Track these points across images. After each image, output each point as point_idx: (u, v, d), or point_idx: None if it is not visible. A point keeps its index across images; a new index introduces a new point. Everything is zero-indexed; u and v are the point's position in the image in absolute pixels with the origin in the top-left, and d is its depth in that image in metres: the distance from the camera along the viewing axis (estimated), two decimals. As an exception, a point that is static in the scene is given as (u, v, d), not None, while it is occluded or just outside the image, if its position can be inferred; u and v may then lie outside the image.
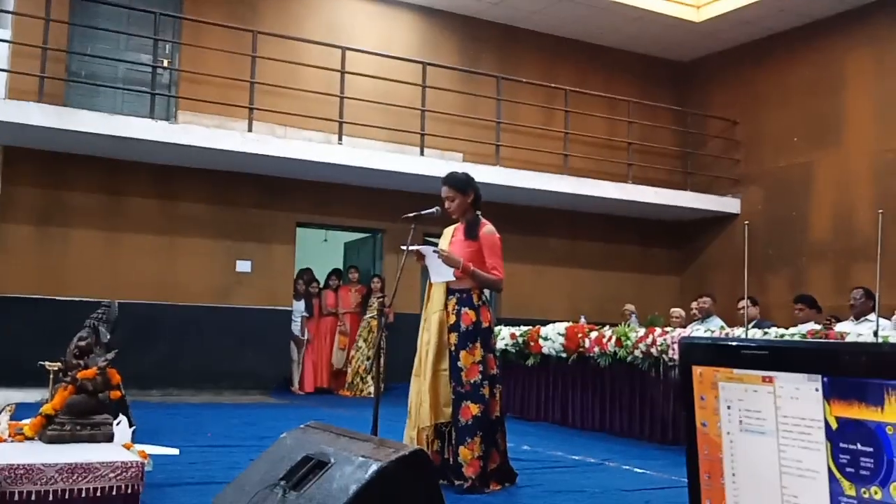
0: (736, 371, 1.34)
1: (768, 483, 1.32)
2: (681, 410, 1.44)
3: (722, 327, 7.70)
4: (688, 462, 1.41)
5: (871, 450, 1.20)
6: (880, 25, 10.74)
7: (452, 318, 4.52)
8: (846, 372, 1.21)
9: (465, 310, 4.52)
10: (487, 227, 4.63)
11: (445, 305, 4.55)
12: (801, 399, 1.26)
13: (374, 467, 2.62)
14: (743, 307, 7.72)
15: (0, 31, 9.28)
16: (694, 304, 9.02)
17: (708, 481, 1.40)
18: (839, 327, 7.18)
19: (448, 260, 4.47)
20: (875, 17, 10.79)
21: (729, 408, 1.35)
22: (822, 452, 1.26)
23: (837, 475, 1.25)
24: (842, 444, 1.23)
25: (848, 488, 1.24)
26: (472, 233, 4.61)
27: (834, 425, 1.24)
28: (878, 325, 5.60)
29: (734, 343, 1.33)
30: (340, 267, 12.04)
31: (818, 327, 6.77)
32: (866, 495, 1.21)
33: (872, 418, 1.19)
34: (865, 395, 1.20)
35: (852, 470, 1.23)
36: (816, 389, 1.25)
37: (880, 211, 5.53)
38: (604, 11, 11.54)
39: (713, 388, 1.37)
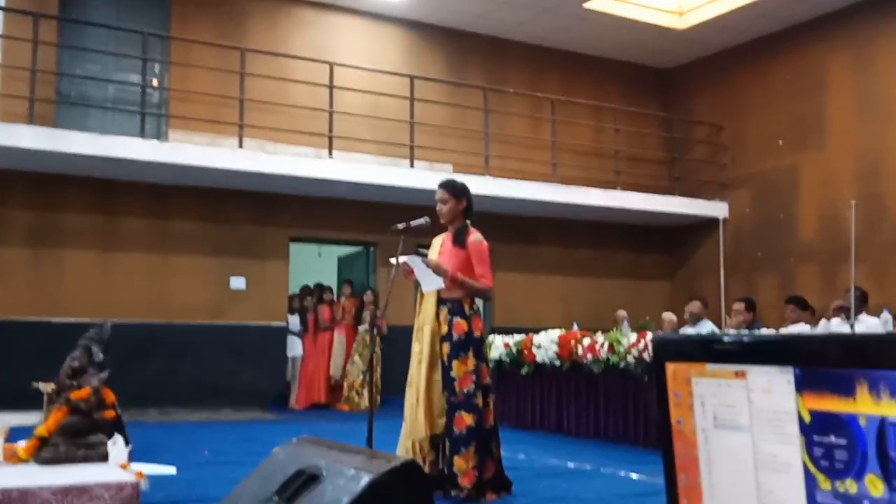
0: (709, 366, 1.35)
1: (744, 479, 1.32)
2: (656, 408, 1.45)
3: (713, 331, 7.72)
4: (664, 462, 1.42)
5: (844, 442, 1.20)
6: (859, 27, 10.85)
7: (444, 329, 4.54)
8: (817, 362, 1.21)
9: (456, 319, 4.53)
10: (475, 236, 4.65)
11: (437, 315, 4.57)
12: (773, 392, 1.27)
13: (365, 479, 2.63)
14: (737, 310, 7.76)
15: (-12, 56, 9.33)
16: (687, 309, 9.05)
17: (685, 480, 1.40)
18: (832, 327, 7.21)
19: (436, 269, 4.49)
20: (853, 20, 10.91)
21: (703, 404, 1.36)
22: (796, 446, 1.26)
23: (812, 469, 1.25)
24: (815, 437, 1.23)
25: (823, 482, 1.24)
26: (460, 241, 4.64)
27: (807, 418, 1.25)
28: (853, 316, 5.62)
29: (706, 338, 1.34)
30: (335, 280, 12.08)
31: (808, 328, 6.80)
32: (841, 488, 1.21)
33: (845, 410, 1.19)
34: (837, 386, 1.19)
35: (827, 463, 1.22)
36: (789, 382, 1.26)
37: (853, 201, 5.58)
38: (588, 21, 11.62)
39: (687, 384, 1.39)
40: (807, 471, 1.23)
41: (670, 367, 1.40)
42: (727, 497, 1.33)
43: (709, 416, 1.34)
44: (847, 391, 1.17)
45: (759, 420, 1.27)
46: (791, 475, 1.24)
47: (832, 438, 1.19)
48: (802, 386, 1.22)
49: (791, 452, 1.24)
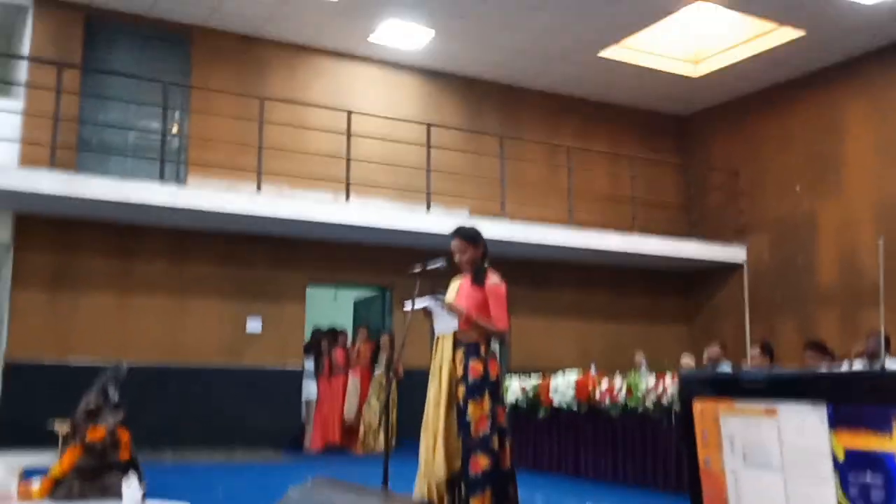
0: (738, 403, 1.32)
1: (777, 519, 1.29)
2: (682, 448, 1.41)
3: (733, 375, 7.62)
4: (691, 502, 1.39)
5: (881, 481, 1.17)
6: (874, 74, 10.90)
7: (460, 371, 4.51)
8: (851, 399, 1.19)
9: (472, 362, 4.50)
10: (493, 278, 4.64)
11: (453, 358, 4.54)
12: (806, 431, 1.24)
13: (383, 521, 2.59)
14: (753, 355, 7.67)
15: (13, 102, 9.49)
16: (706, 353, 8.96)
17: (715, 520, 1.37)
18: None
19: (452, 309, 4.48)
20: (869, 67, 10.96)
21: (732, 443, 1.34)
22: (830, 486, 1.23)
23: (847, 509, 1.22)
24: (851, 476, 1.20)
25: (859, 522, 1.21)
26: (479, 281, 4.63)
27: (841, 456, 1.22)
28: (882, 354, 5.53)
29: (735, 374, 1.32)
30: (350, 323, 12.05)
31: (830, 373, 6.70)
32: (878, 529, 1.18)
33: (881, 448, 1.16)
34: (872, 423, 1.17)
35: (863, 502, 1.20)
36: (822, 420, 1.23)
37: (881, 240, 5.52)
38: (604, 70, 11.71)
39: (715, 422, 1.36)
40: (842, 511, 1.19)
41: (697, 405, 1.37)
42: (759, 538, 1.29)
43: (738, 455, 1.31)
44: (883, 427, 1.14)
45: (792, 459, 1.24)
46: (825, 516, 1.20)
47: (868, 477, 1.16)
48: (836, 423, 1.19)
49: (825, 492, 1.20)
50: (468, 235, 4.73)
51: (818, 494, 1.25)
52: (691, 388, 1.40)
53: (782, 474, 1.29)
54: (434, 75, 11.88)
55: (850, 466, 1.21)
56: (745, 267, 9.88)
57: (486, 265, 4.73)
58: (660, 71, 11.78)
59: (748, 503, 1.35)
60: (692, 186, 12.96)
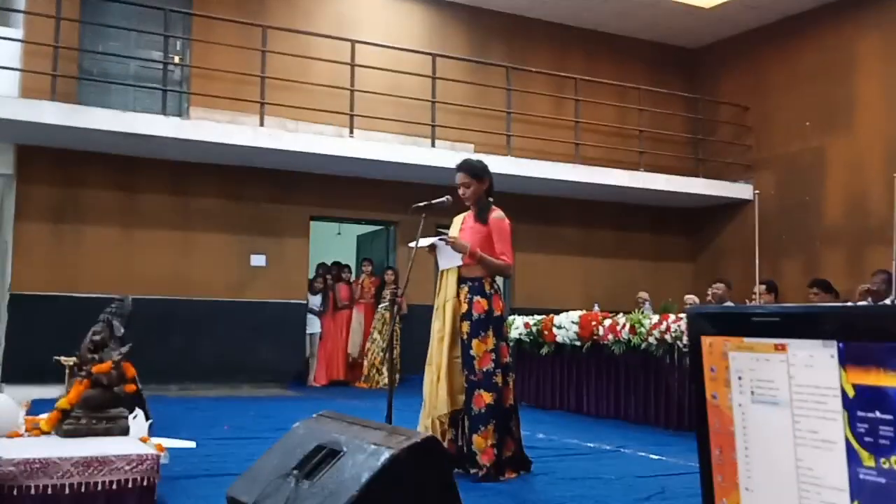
0: (747, 339, 1.30)
1: (782, 455, 1.28)
2: (690, 383, 1.40)
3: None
4: (698, 437, 1.38)
5: (890, 417, 1.16)
6: (890, 8, 10.64)
7: (464, 307, 4.51)
8: (863, 336, 1.17)
9: (476, 298, 4.50)
10: (497, 213, 4.62)
11: (457, 294, 4.54)
12: (815, 367, 1.23)
13: (385, 455, 2.61)
14: (760, 292, 7.67)
15: (12, 31, 9.35)
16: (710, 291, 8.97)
17: (719, 456, 1.36)
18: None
19: (456, 245, 4.46)
20: (882, 1, 10.68)
21: (740, 378, 1.32)
22: (838, 422, 1.22)
23: (855, 445, 1.21)
24: (859, 413, 1.19)
25: (867, 459, 1.19)
26: (482, 217, 4.60)
27: (851, 393, 1.20)
28: (894, 290, 5.51)
29: (744, 310, 1.30)
30: (354, 259, 12.08)
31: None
32: (886, 465, 1.17)
33: (892, 384, 1.15)
34: (883, 360, 1.15)
35: (871, 439, 1.18)
36: (832, 356, 1.21)
37: (895, 175, 5.45)
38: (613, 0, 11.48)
39: (723, 358, 1.34)
40: (849, 447, 1.18)
41: (706, 341, 1.35)
42: (764, 473, 1.28)
43: (746, 390, 1.29)
44: (894, 365, 1.13)
45: (800, 395, 1.23)
46: (833, 452, 1.19)
47: (877, 414, 1.15)
48: (846, 360, 1.18)
49: (833, 428, 1.19)
50: (474, 170, 4.67)
51: (826, 430, 1.23)
52: (699, 324, 1.37)
53: (790, 410, 1.28)
54: (439, 4, 11.65)
55: (859, 403, 1.19)
56: (756, 203, 9.82)
57: (490, 201, 4.70)
58: (670, 0, 11.53)
59: (754, 437, 1.34)
60: (700, 122, 12.81)
